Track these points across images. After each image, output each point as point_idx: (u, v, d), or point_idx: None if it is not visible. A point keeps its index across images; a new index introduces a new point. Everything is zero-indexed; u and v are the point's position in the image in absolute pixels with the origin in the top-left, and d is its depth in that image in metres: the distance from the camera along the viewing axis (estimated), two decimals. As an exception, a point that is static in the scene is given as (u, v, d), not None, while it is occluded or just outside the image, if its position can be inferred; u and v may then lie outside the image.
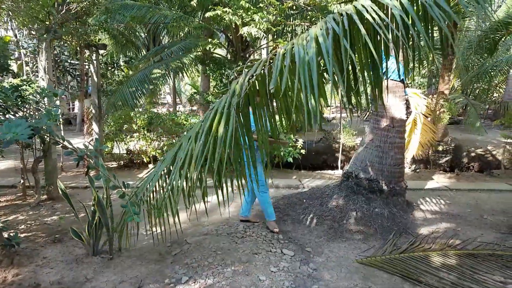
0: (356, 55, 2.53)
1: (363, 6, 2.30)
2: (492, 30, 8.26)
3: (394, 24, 2.25)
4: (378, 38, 2.49)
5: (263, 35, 7.65)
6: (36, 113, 4.81)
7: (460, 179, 7.94)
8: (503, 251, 3.90)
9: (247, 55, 11.02)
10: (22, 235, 4.24)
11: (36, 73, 8.50)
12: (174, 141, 8.06)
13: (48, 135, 3.35)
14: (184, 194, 3.17)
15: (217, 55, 11.20)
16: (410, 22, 2.23)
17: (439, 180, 7.73)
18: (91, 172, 3.61)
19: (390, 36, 2.21)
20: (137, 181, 3.53)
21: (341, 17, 2.33)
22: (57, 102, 4.20)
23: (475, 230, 4.60)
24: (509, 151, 9.03)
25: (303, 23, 9.44)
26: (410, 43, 2.60)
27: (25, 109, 4.85)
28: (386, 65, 2.53)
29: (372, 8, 2.26)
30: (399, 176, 4.91)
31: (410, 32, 2.31)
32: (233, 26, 8.04)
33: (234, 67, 9.14)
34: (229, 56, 11.45)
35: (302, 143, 7.97)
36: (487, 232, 4.55)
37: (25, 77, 6.48)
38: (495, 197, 6.24)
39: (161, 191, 3.19)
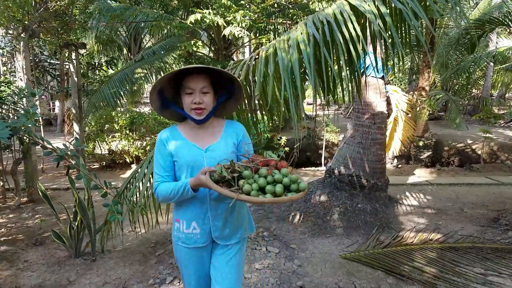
0: (335, 52, 2.56)
1: (341, 13, 2.33)
2: (471, 28, 8.44)
3: (371, 26, 2.29)
4: (359, 36, 2.52)
5: (246, 33, 7.64)
6: (14, 114, 4.70)
7: (441, 173, 8.09)
8: (483, 243, 3.99)
9: (230, 53, 10.98)
10: (2, 238, 4.15)
11: (14, 73, 8.31)
12: (157, 140, 7.99)
13: (27, 135, 3.28)
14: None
15: (199, 53, 11.14)
16: (389, 20, 2.26)
17: (421, 175, 7.86)
18: (72, 174, 3.56)
19: (368, 33, 2.24)
20: (120, 182, 3.49)
21: (322, 25, 2.36)
22: (37, 102, 4.12)
23: (456, 224, 4.69)
24: (489, 145, 9.24)
25: (285, 21, 9.46)
26: (389, 41, 2.64)
27: (2, 110, 4.74)
28: (364, 63, 2.56)
29: (350, 18, 2.30)
30: (381, 171, 4.97)
31: (389, 32, 2.35)
32: (215, 25, 8.02)
33: (217, 65, 9.10)
34: (211, 54, 11.40)
35: (285, 140, 8.01)
36: (468, 225, 4.65)
37: (2, 78, 6.33)
38: (475, 190, 6.38)
39: (145, 191, 3.17)
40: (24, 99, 4.23)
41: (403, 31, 2.74)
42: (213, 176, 1.61)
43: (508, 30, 14.93)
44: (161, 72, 10.94)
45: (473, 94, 16.56)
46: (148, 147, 7.91)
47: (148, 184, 3.23)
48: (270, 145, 1.87)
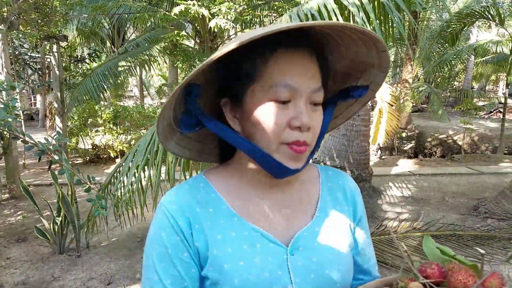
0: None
1: (325, 6, 2.35)
2: (453, 21, 8.56)
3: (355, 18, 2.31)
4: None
5: (232, 25, 7.60)
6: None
7: (423, 164, 8.23)
8: (463, 231, 4.09)
9: (216, 46, 10.90)
10: (-17, 236, 4.08)
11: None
12: (142, 134, 7.92)
13: (7, 130, 3.22)
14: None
15: (184, 46, 11.02)
16: (372, 15, 2.29)
17: (404, 166, 7.98)
18: (54, 169, 3.51)
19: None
20: (104, 177, 3.46)
21: (306, 17, 2.37)
22: (17, 96, 4.03)
23: (438, 212, 4.79)
24: (469, 136, 9.43)
25: (271, 14, 9.45)
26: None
27: (-19, 105, 4.63)
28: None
29: (334, 10, 2.31)
30: (365, 163, 5.04)
31: (372, 25, 2.37)
32: (200, 17, 7.96)
33: (203, 58, 9.02)
34: (197, 47, 11.30)
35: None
36: (449, 213, 4.76)
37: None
38: (456, 180, 6.52)
39: (130, 185, 3.14)
40: (3, 93, 4.14)
41: (387, 24, 2.77)
42: None
43: (488, 24, 15.18)
44: (145, 65, 10.77)
45: (454, 86, 16.84)
46: (132, 141, 7.83)
47: (133, 179, 3.20)
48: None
